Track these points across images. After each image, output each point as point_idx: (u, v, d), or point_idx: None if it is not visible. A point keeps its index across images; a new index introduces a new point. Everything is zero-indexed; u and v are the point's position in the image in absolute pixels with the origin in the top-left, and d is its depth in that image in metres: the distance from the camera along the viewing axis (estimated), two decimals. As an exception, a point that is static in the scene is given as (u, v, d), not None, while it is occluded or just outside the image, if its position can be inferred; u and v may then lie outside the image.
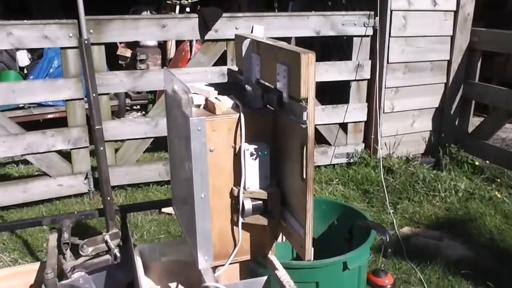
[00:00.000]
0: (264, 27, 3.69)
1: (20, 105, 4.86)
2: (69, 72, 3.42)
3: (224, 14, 3.66)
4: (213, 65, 3.78)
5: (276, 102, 1.39)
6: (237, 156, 1.43)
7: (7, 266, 2.80)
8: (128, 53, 5.88)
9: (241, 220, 1.47)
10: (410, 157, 4.28)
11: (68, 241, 1.80)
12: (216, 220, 1.46)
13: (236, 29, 3.68)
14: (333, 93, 4.45)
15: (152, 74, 3.73)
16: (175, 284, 1.95)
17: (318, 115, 3.95)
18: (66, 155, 3.64)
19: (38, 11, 6.63)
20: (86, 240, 1.86)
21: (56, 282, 1.60)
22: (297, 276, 1.57)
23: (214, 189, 1.43)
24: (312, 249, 1.36)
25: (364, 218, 2.28)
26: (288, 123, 1.37)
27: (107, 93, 3.64)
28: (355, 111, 4.20)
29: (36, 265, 1.93)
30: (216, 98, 1.47)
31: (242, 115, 1.40)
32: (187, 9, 5.82)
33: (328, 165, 4.22)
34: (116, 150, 3.74)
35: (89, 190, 3.64)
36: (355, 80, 4.13)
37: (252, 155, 1.42)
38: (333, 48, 4.86)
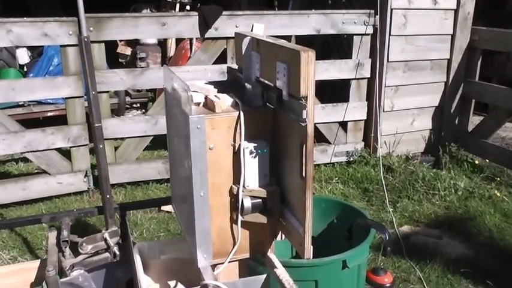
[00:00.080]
0: (264, 26, 3.68)
1: (20, 103, 4.87)
2: (69, 70, 3.42)
3: (224, 12, 3.66)
4: (213, 63, 3.78)
5: (275, 100, 1.39)
6: (236, 155, 1.43)
7: (6, 264, 2.80)
8: (127, 51, 5.87)
9: (240, 218, 1.46)
10: (410, 156, 4.28)
11: (67, 239, 1.80)
12: (216, 218, 1.46)
13: (236, 27, 3.68)
14: (333, 91, 4.46)
15: (152, 72, 3.73)
16: (174, 282, 1.95)
17: (318, 114, 3.95)
18: (65, 153, 3.63)
19: (38, 9, 6.62)
20: (85, 238, 1.85)
21: (58, 279, 1.59)
22: (296, 274, 1.57)
23: (214, 188, 1.43)
24: (311, 247, 1.36)
25: (363, 216, 2.28)
26: (288, 121, 1.37)
27: (107, 91, 3.65)
28: (355, 109, 4.20)
29: (36, 263, 1.93)
30: (215, 96, 1.47)
31: (242, 113, 1.40)
32: (188, 7, 5.81)
33: (328, 163, 4.22)
34: (116, 148, 3.74)
35: (88, 188, 3.64)
36: (355, 79, 4.13)
37: (251, 153, 1.42)
38: (333, 46, 4.87)
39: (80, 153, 3.59)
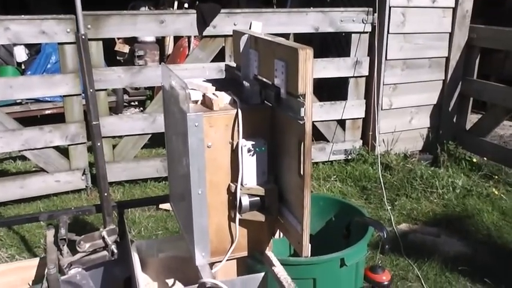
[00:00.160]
0: (262, 24, 3.69)
1: (18, 101, 4.86)
2: (67, 68, 3.41)
3: (222, 10, 3.66)
4: (211, 61, 3.78)
5: (273, 98, 1.39)
6: (234, 152, 1.43)
7: (4, 262, 2.79)
8: (125, 48, 5.87)
9: (238, 216, 1.46)
10: (408, 154, 4.28)
11: (65, 237, 1.80)
12: (213, 216, 1.46)
13: (234, 25, 3.67)
14: (331, 89, 4.46)
15: (150, 70, 3.73)
16: (172, 280, 1.95)
17: (316, 112, 3.95)
18: (63, 151, 3.63)
19: (36, 7, 6.61)
20: (83, 236, 1.85)
21: (58, 277, 1.59)
22: (294, 272, 1.57)
23: (212, 185, 1.43)
24: (310, 245, 1.36)
25: (361, 214, 2.28)
26: (286, 119, 1.36)
27: (105, 89, 3.64)
28: (353, 107, 4.20)
29: (34, 261, 1.93)
30: (213, 93, 1.46)
31: (240, 111, 1.40)
32: (186, 5, 5.80)
33: (326, 161, 4.22)
34: (114, 147, 3.74)
35: (86, 186, 3.64)
36: (353, 77, 4.13)
37: (249, 151, 1.42)
38: (332, 44, 4.86)
39: (77, 151, 3.58)
